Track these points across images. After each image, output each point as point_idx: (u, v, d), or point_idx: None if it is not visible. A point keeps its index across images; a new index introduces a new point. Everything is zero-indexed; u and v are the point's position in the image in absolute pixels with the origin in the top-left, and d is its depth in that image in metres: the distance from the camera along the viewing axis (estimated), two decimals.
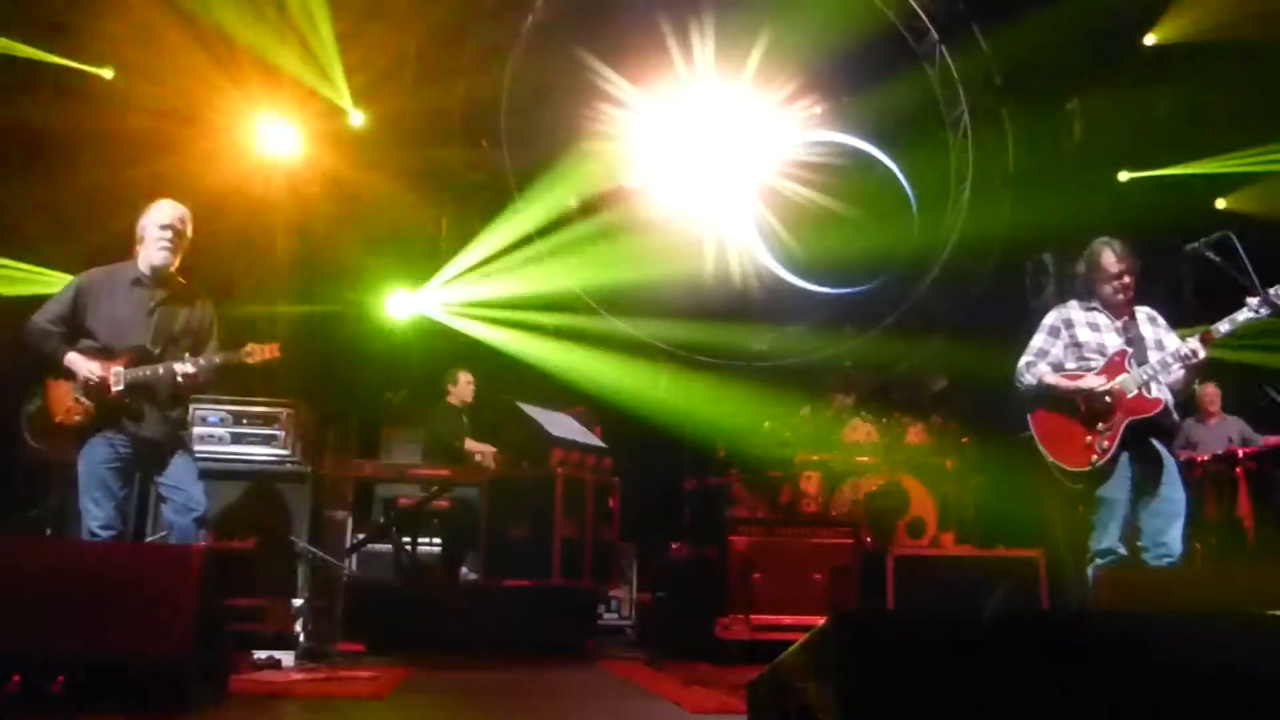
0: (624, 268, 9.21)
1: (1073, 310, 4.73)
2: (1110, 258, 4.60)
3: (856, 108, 9.69)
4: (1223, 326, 4.39)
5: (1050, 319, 4.75)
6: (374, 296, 9.05)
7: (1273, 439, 6.99)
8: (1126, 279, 4.60)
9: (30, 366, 4.62)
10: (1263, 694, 2.06)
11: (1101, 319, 4.67)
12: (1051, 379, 4.59)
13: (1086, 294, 4.71)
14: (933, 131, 9.92)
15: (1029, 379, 4.64)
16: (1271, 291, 4.28)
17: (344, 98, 8.57)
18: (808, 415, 7.84)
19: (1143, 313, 4.71)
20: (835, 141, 9.89)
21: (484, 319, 9.14)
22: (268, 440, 6.19)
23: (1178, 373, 4.54)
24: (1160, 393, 4.53)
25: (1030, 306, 9.34)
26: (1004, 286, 9.67)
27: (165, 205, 4.68)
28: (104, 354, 4.52)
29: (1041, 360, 4.66)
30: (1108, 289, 4.63)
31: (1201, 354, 4.39)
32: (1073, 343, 4.66)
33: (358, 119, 8.72)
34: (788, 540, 6.21)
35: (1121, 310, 4.66)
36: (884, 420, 7.72)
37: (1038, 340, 4.72)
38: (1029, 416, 4.64)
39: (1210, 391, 7.64)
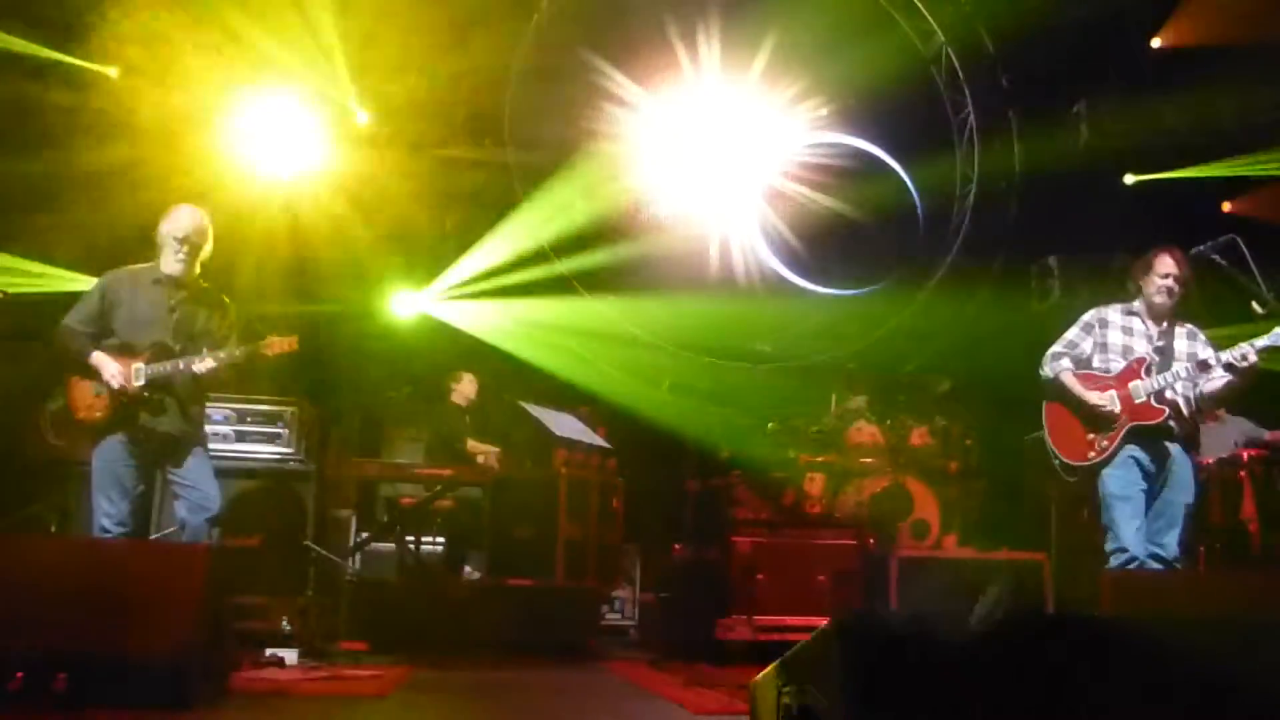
0: (629, 266, 9.20)
1: (1111, 311, 4.83)
2: (1165, 262, 4.69)
3: (863, 110, 9.67)
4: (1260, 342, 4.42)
5: (1088, 315, 4.87)
6: (378, 296, 9.05)
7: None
8: (1173, 286, 4.68)
9: (50, 366, 4.64)
10: (1265, 700, 2.05)
11: (1137, 324, 4.76)
12: (1066, 378, 4.72)
13: (1135, 293, 4.81)
14: (939, 134, 9.90)
15: (1048, 371, 4.78)
16: None
17: (350, 96, 8.57)
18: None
19: (1184, 327, 4.78)
20: (841, 143, 9.87)
21: (488, 318, 9.13)
22: (272, 439, 6.21)
23: (1218, 380, 4.59)
24: (1173, 400, 4.56)
25: (1035, 310, 9.32)
26: (1009, 289, 9.64)
27: (183, 215, 4.66)
28: (125, 351, 4.54)
29: (1068, 353, 4.78)
30: (1152, 291, 4.72)
31: (1252, 357, 4.42)
32: (1102, 342, 4.77)
33: (363, 118, 8.72)
34: (791, 542, 6.21)
35: (1162, 318, 4.73)
36: (888, 422, 7.70)
37: (1070, 333, 4.85)
38: (1043, 404, 4.81)
39: None
